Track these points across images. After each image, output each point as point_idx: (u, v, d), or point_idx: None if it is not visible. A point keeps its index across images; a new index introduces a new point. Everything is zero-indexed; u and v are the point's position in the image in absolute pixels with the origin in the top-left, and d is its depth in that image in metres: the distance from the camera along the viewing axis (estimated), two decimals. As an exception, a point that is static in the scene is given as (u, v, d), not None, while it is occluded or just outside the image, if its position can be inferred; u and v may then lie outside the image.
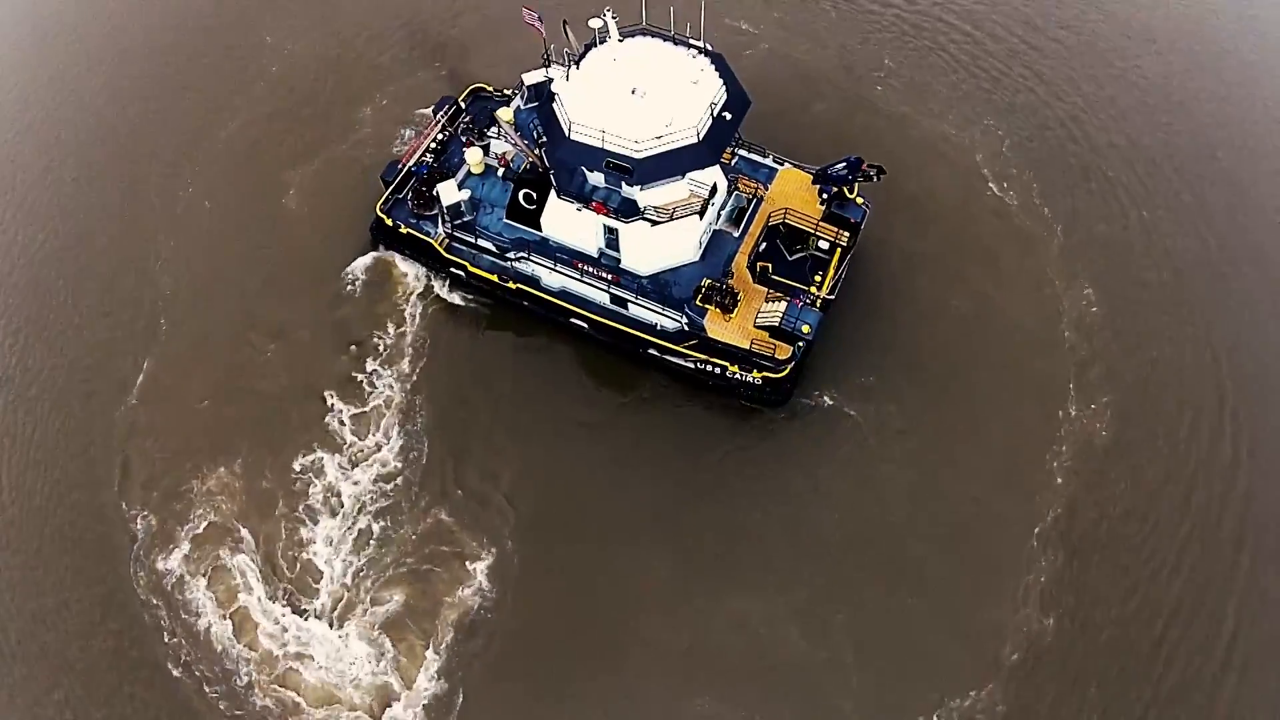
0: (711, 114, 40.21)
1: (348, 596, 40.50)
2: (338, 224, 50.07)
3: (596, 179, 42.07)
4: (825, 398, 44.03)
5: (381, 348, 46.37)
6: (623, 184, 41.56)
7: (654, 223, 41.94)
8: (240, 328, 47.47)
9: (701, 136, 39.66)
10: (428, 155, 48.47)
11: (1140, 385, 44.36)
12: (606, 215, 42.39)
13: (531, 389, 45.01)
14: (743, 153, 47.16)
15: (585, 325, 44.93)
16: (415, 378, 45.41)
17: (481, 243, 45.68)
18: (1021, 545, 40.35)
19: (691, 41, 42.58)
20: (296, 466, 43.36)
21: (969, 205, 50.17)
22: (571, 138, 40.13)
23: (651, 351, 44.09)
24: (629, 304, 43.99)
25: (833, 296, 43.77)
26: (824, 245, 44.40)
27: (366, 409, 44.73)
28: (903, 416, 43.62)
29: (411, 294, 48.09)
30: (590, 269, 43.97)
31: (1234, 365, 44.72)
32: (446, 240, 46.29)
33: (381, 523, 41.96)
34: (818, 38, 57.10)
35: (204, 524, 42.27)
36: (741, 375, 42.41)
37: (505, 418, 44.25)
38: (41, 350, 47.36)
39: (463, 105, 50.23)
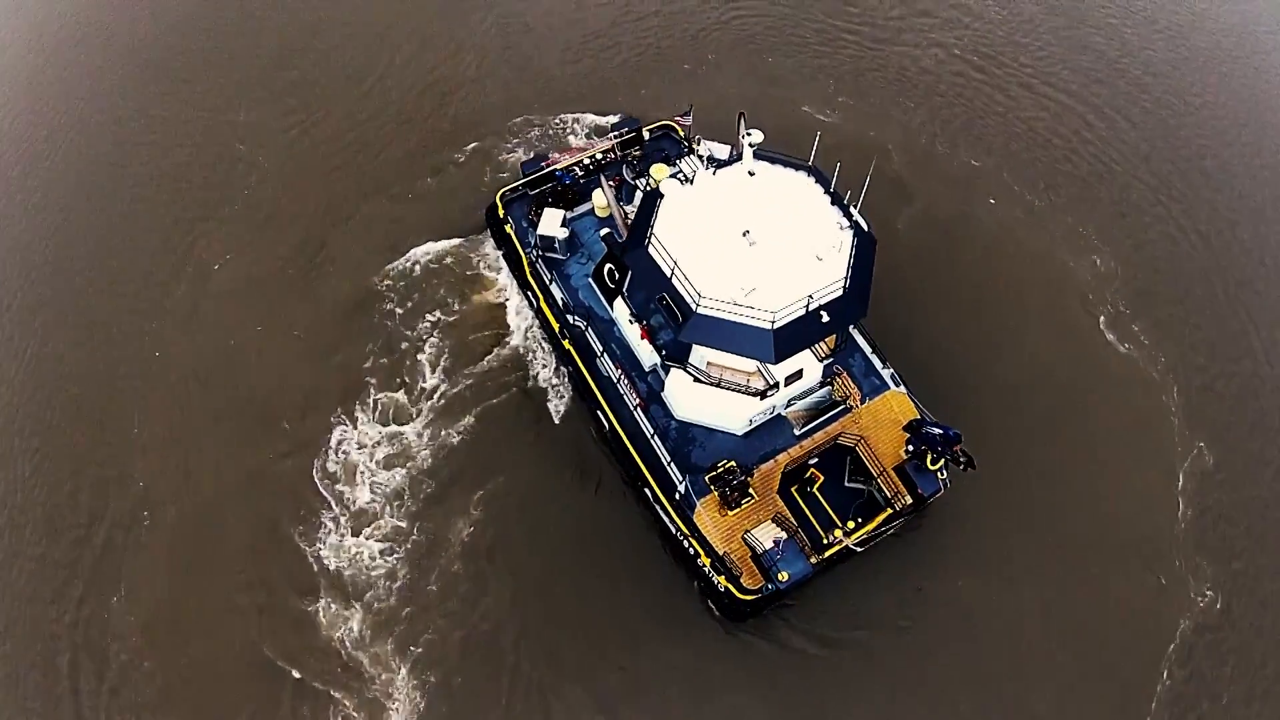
0: (805, 307, 32.55)
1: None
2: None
3: None
4: (960, 583, 38.17)
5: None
6: None
7: (696, 379, 35.69)
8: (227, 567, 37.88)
9: (775, 326, 32.17)
10: (578, 168, 44.07)
11: (1260, 555, 39.59)
12: (650, 344, 36.54)
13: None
14: (863, 343, 38.94)
15: (606, 426, 39.79)
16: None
17: (554, 289, 41.20)
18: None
19: (853, 209, 34.67)
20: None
21: (1074, 345, 44.42)
22: (647, 249, 34.23)
23: (646, 491, 38.50)
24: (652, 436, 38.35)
25: (860, 549, 35.84)
26: (884, 495, 36.45)
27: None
28: (1016, 597, 37.98)
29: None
30: (627, 380, 38.50)
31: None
32: (533, 265, 42.22)
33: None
34: (898, 128, 51.01)
35: None
36: (709, 570, 36.09)
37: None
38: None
39: (646, 136, 44.81)
